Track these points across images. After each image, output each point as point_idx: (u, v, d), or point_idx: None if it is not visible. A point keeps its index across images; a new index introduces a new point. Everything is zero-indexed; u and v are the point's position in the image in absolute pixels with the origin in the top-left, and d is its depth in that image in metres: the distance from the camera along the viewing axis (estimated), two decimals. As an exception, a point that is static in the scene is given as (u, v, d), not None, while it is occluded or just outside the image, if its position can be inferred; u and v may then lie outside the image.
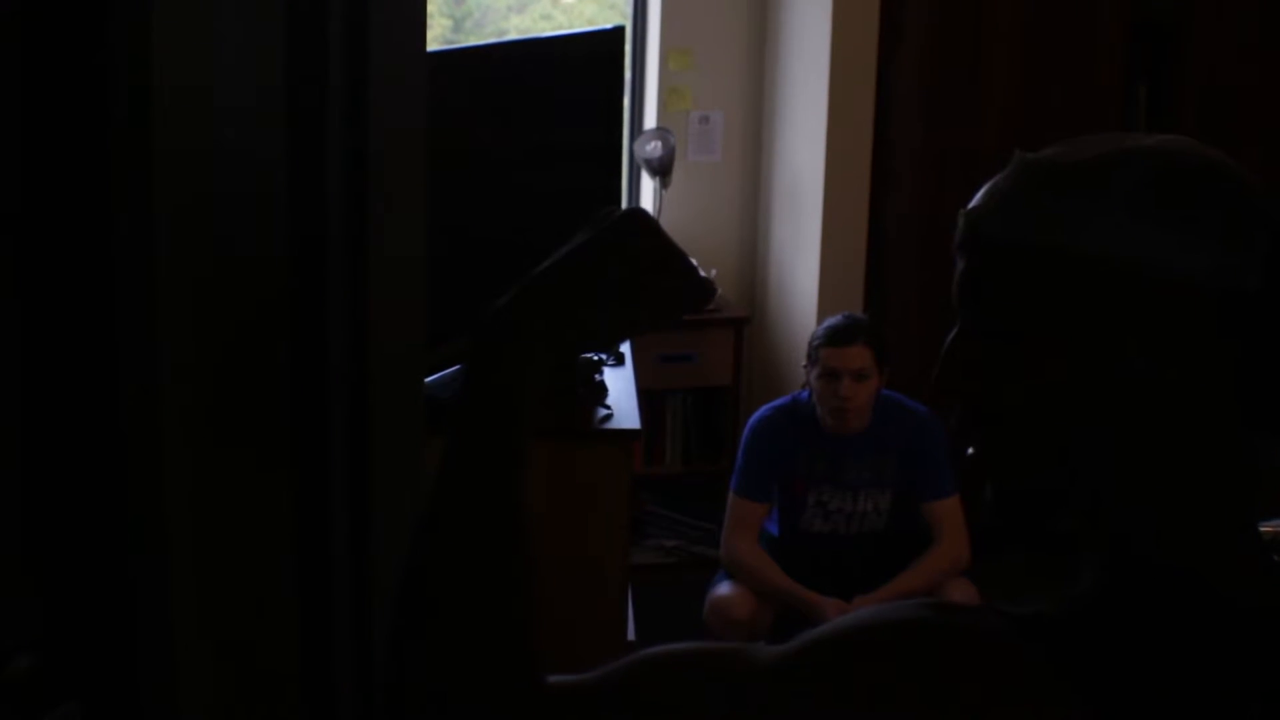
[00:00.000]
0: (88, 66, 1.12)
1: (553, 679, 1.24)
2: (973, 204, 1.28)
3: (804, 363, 4.44)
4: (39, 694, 1.15)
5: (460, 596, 1.24)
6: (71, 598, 1.19)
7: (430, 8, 1.54)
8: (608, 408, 3.66)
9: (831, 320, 4.41)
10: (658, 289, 1.40)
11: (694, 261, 1.39)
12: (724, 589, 4.42)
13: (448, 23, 6.20)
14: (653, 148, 5.57)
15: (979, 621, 1.19)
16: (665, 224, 5.67)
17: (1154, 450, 1.21)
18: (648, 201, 5.85)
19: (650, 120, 5.82)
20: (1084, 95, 5.47)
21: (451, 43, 5.93)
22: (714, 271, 5.67)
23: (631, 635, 3.70)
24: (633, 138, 5.68)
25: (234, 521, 1.35)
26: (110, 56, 1.13)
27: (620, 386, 3.80)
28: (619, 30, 3.98)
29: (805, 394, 4.44)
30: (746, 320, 5.68)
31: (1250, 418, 1.22)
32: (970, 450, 1.29)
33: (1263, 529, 1.27)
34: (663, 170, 5.59)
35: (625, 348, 4.06)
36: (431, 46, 1.56)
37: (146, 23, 1.14)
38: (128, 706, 1.21)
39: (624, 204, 5.08)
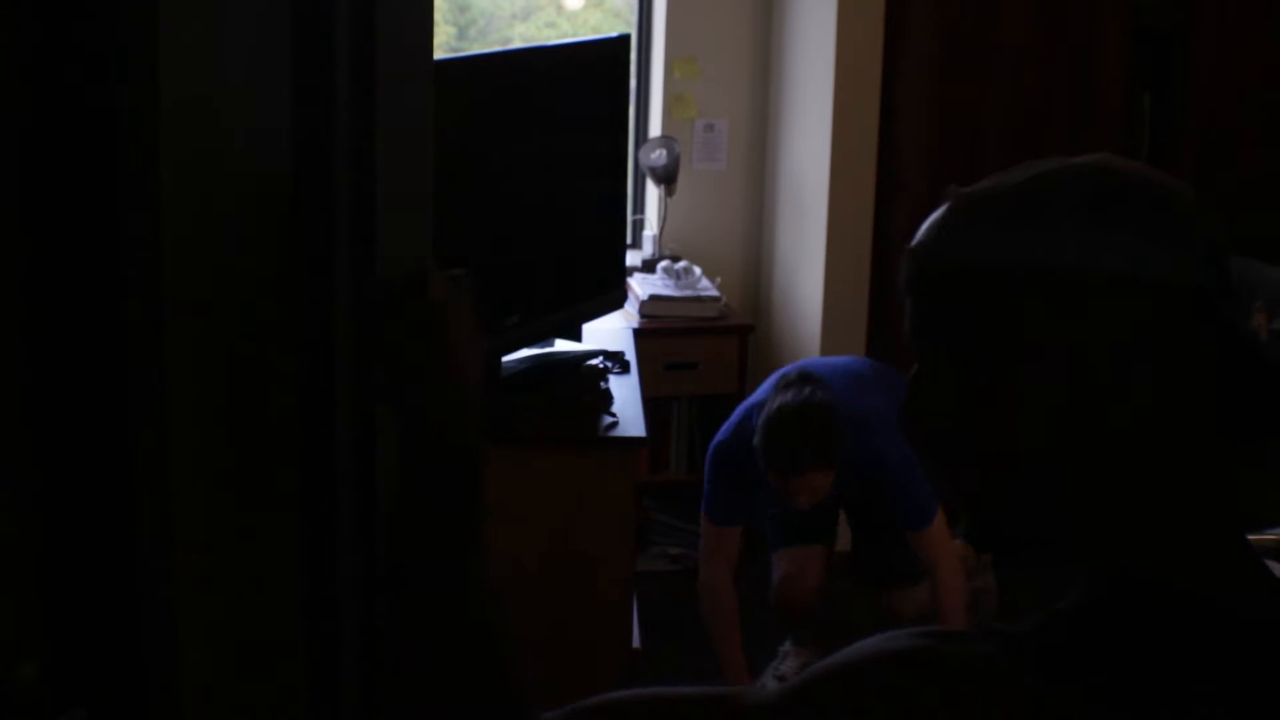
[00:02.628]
0: (93, 74, 1.12)
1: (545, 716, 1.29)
2: (915, 241, 1.29)
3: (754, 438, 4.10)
4: (44, 701, 1.15)
5: (447, 670, 1.33)
6: (77, 604, 1.19)
7: (434, 15, 1.54)
8: (613, 415, 3.65)
9: (776, 422, 3.98)
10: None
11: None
12: (781, 570, 4.53)
13: (452, 30, 6.21)
14: (658, 156, 5.57)
15: (975, 647, 1.18)
16: (670, 232, 5.70)
17: (1137, 464, 1.20)
18: (653, 209, 5.85)
19: (655, 128, 5.82)
20: (1088, 103, 5.47)
21: (456, 50, 5.94)
22: (719, 280, 5.67)
23: (636, 643, 3.70)
24: (638, 146, 5.68)
25: (240, 527, 1.35)
26: (116, 64, 1.13)
27: (625, 394, 3.80)
28: (624, 38, 3.98)
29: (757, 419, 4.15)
30: (751, 328, 5.68)
31: (1229, 425, 1.21)
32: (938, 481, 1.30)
33: (1266, 537, 1.27)
34: (668, 178, 5.59)
35: (630, 355, 4.06)
36: (436, 54, 1.57)
37: (153, 31, 1.14)
38: (133, 713, 1.21)
39: (630, 210, 5.09)
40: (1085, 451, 1.20)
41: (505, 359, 3.67)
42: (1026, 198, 1.22)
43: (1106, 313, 1.18)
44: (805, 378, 4.10)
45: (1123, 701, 1.14)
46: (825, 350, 5.49)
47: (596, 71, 3.87)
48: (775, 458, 3.97)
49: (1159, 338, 1.18)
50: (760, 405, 4.11)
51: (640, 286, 5.52)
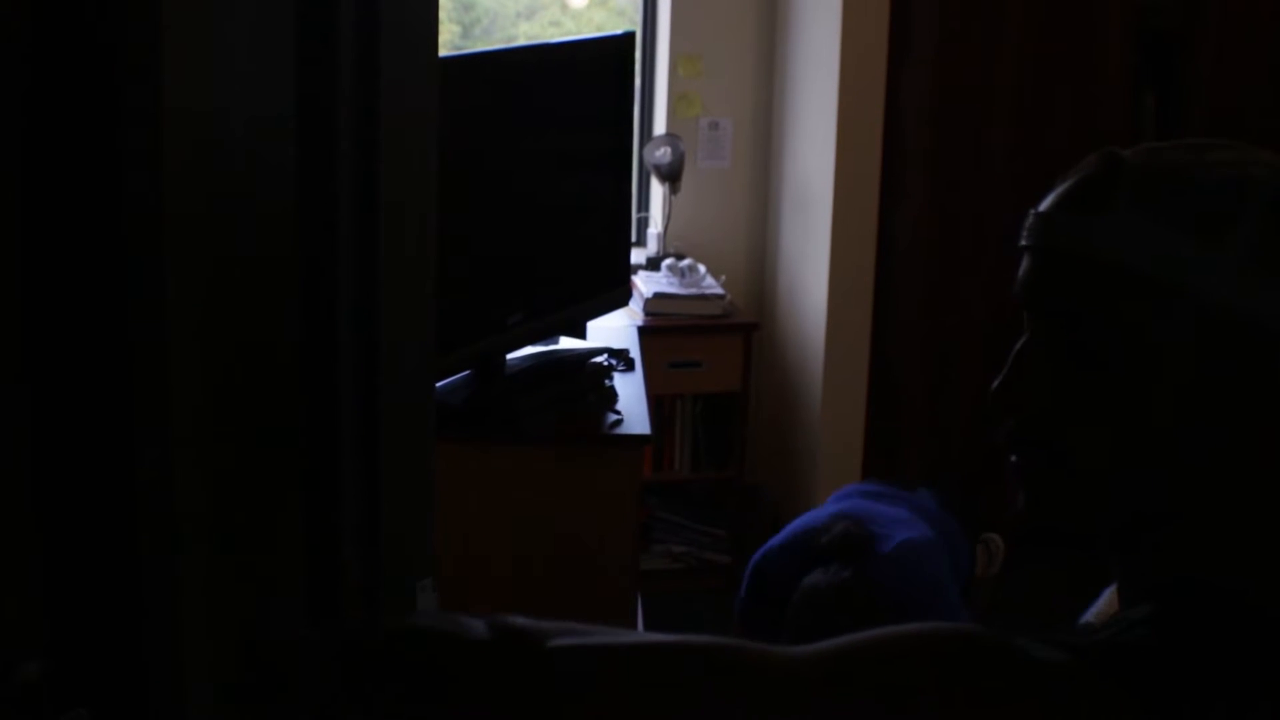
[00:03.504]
0: (96, 77, 1.12)
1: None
2: (1062, 208, 1.21)
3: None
4: (47, 700, 1.15)
5: None
6: (79, 604, 1.19)
7: (439, 13, 1.54)
8: (618, 413, 3.65)
9: (808, 612, 3.58)
10: None
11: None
12: None
13: (456, 29, 6.20)
14: (662, 154, 5.57)
15: (1043, 650, 1.13)
16: (675, 230, 5.70)
17: (1242, 479, 1.18)
18: (657, 207, 5.85)
19: (660, 126, 5.82)
20: (1092, 102, 5.46)
21: (460, 49, 5.94)
22: (723, 278, 5.66)
23: (640, 641, 3.69)
24: (642, 144, 5.68)
25: (244, 528, 1.34)
26: (119, 67, 1.13)
27: (630, 392, 3.79)
28: (629, 36, 3.97)
29: (815, 521, 3.92)
30: (755, 326, 5.67)
31: None
32: (1014, 459, 1.24)
33: None
34: (672, 176, 5.59)
35: (634, 353, 4.05)
36: (440, 52, 1.56)
37: (156, 29, 1.14)
38: (136, 713, 1.21)
39: (634, 209, 5.07)
40: (1195, 462, 1.18)
41: (509, 357, 3.67)
42: (1215, 214, 1.16)
43: (1250, 366, 1.15)
44: (848, 545, 3.71)
45: (1194, 710, 1.10)
46: (829, 348, 5.49)
47: (601, 69, 3.87)
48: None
49: None
50: (809, 538, 3.81)
51: (645, 284, 5.52)
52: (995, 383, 1.23)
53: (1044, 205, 1.23)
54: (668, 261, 5.60)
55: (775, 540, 4.01)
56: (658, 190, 5.81)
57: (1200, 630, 1.15)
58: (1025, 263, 1.23)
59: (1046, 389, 1.21)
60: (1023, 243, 1.23)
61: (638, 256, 5.64)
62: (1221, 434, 1.17)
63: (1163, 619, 1.16)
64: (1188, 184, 1.18)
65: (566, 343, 3.90)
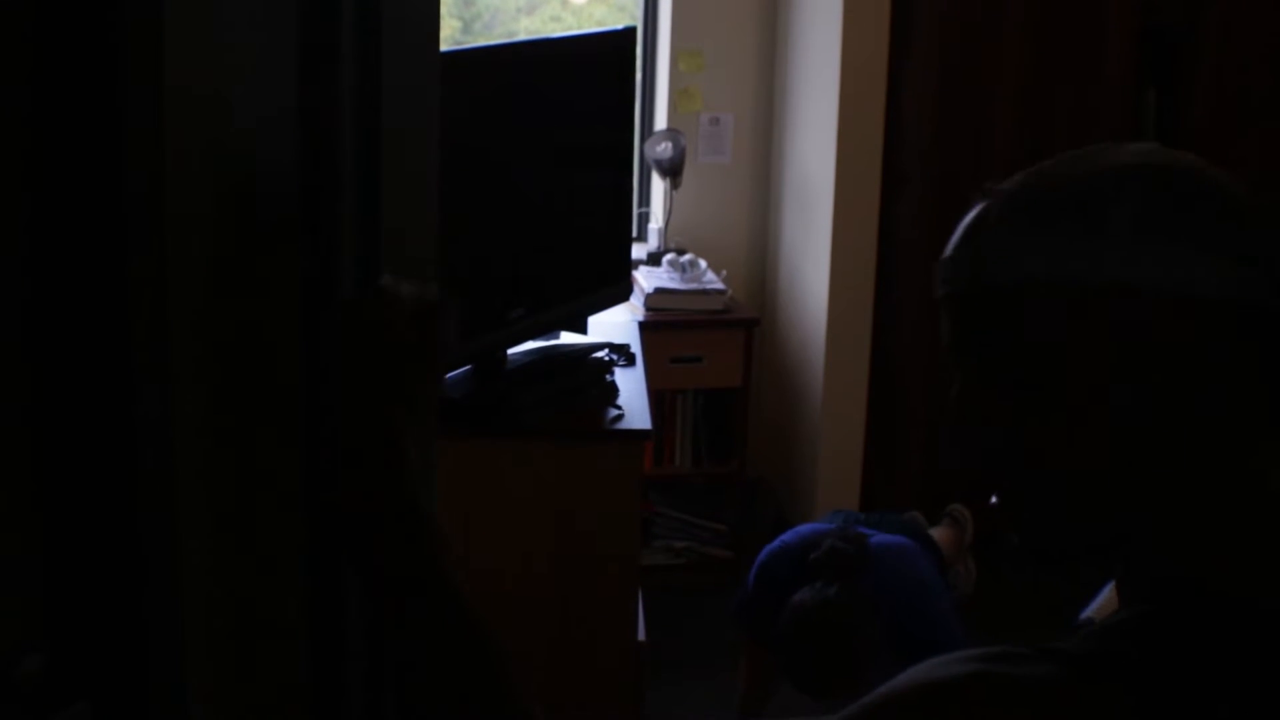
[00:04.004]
0: (98, 69, 1.12)
1: None
2: (954, 249, 1.25)
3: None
4: (48, 694, 1.15)
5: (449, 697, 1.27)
6: (80, 597, 1.19)
7: (440, 9, 1.54)
8: (618, 408, 3.65)
9: (796, 640, 3.61)
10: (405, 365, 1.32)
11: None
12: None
13: (457, 24, 6.20)
14: (663, 149, 5.57)
15: (1037, 669, 1.14)
16: (676, 225, 5.70)
17: (1193, 478, 1.18)
18: (658, 202, 5.85)
19: (661, 121, 5.82)
20: (1094, 98, 5.46)
21: (461, 44, 5.93)
22: (724, 273, 5.67)
23: (642, 636, 3.70)
24: (643, 139, 5.68)
25: (245, 521, 1.35)
26: (121, 59, 1.13)
27: (631, 387, 3.79)
28: (630, 31, 3.97)
29: (821, 529, 3.96)
30: (756, 322, 5.68)
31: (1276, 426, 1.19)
32: (994, 499, 1.26)
33: None
34: (673, 171, 5.59)
35: (636, 348, 4.05)
36: (441, 48, 1.56)
37: (157, 23, 1.14)
38: (138, 707, 1.21)
39: (635, 204, 5.09)
40: (1138, 463, 1.18)
41: (510, 351, 3.67)
42: (1084, 203, 1.18)
43: (1164, 329, 1.16)
44: (835, 563, 3.72)
45: (1186, 714, 1.11)
46: (830, 343, 5.49)
47: (602, 65, 3.87)
48: (800, 684, 3.68)
49: (1219, 351, 1.16)
50: (818, 540, 3.84)
51: (646, 279, 5.52)
52: (945, 438, 1.26)
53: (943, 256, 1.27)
54: (669, 257, 5.60)
55: (784, 538, 4.03)
56: (659, 185, 5.81)
57: (1189, 630, 1.15)
58: (941, 317, 1.26)
59: (995, 431, 1.22)
60: (943, 294, 1.27)
61: (639, 252, 5.65)
62: (1158, 411, 1.17)
63: (1150, 622, 1.17)
64: (1057, 188, 1.20)
65: (568, 338, 3.90)
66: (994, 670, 1.14)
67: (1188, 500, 1.19)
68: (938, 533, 4.80)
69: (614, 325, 4.27)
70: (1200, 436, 1.18)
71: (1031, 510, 1.24)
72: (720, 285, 5.54)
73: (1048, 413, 1.19)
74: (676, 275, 5.54)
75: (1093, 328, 1.17)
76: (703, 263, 5.62)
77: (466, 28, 6.28)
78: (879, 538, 3.86)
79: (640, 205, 5.88)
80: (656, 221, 5.81)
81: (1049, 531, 1.24)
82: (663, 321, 5.39)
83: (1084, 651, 1.15)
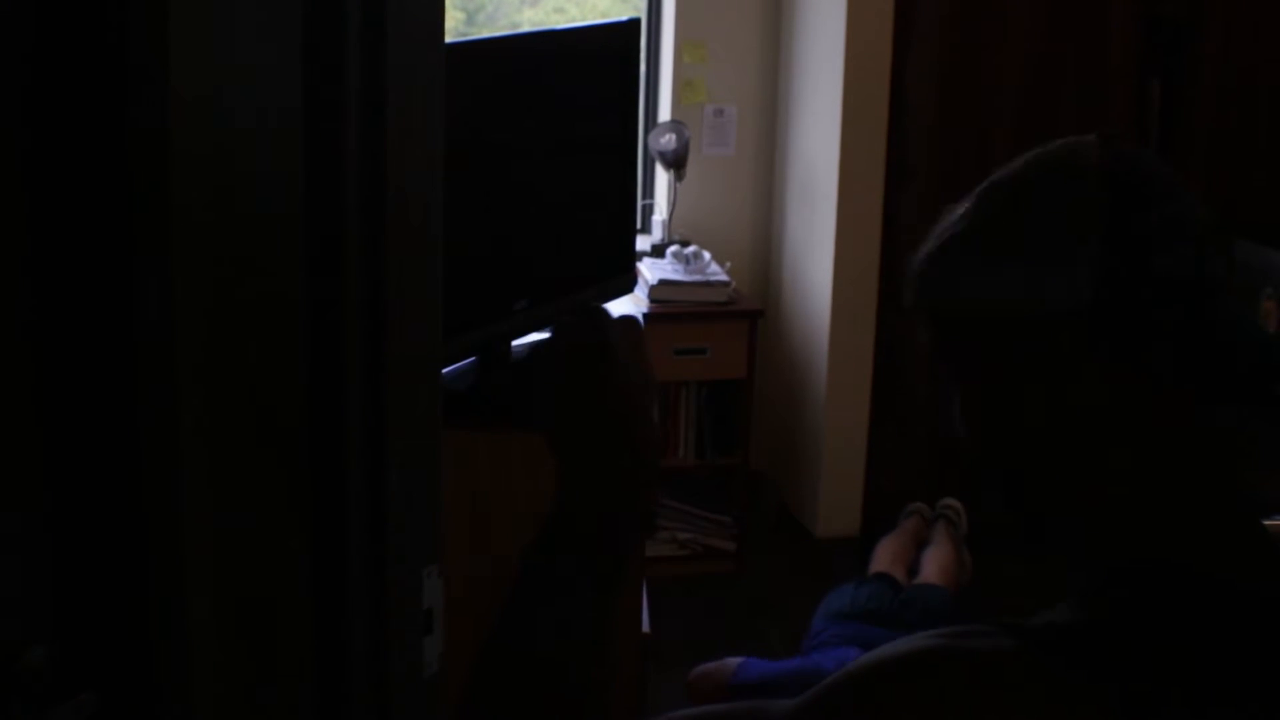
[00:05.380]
0: (102, 70, 1.12)
1: None
2: (914, 266, 1.33)
3: None
4: (54, 684, 1.15)
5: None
6: (87, 587, 1.19)
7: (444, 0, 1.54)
8: (622, 401, 3.65)
9: None
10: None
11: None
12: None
13: (461, 16, 6.20)
14: (667, 141, 5.56)
15: (994, 641, 1.18)
16: (680, 217, 5.70)
17: (1128, 462, 1.22)
18: (662, 194, 5.85)
19: (665, 113, 5.82)
20: (1097, 90, 5.46)
21: (464, 35, 5.93)
22: (728, 265, 5.66)
23: (646, 627, 3.70)
24: (647, 131, 5.67)
25: (250, 512, 1.35)
26: (124, 53, 1.13)
27: (634, 379, 3.79)
28: (634, 23, 3.96)
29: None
30: (760, 313, 5.67)
31: (1206, 394, 1.23)
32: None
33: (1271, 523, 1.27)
34: (677, 163, 5.59)
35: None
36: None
37: (163, 16, 1.14)
38: (143, 697, 1.21)
39: (639, 195, 5.08)
40: (1082, 460, 1.23)
41: (514, 344, 3.67)
42: (1000, 229, 1.25)
43: (1033, 339, 1.22)
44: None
45: (1151, 687, 1.14)
46: (834, 334, 5.49)
47: (606, 56, 3.86)
48: None
49: (1087, 351, 1.21)
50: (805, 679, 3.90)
51: (650, 271, 5.52)
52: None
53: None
54: (673, 248, 5.60)
55: (777, 668, 4.05)
56: (663, 177, 5.80)
57: (1144, 604, 1.19)
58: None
59: (974, 437, 1.30)
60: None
61: (643, 243, 5.64)
62: (1051, 412, 1.24)
63: (1104, 598, 1.21)
64: (966, 215, 1.28)
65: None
66: (951, 644, 1.18)
67: (1134, 488, 1.24)
68: (934, 548, 4.81)
69: (618, 317, 4.27)
70: (1120, 425, 1.23)
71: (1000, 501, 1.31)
72: (724, 277, 5.54)
73: (987, 420, 1.28)
74: (680, 267, 5.53)
75: (971, 344, 1.26)
76: (707, 254, 5.61)
77: (470, 19, 6.28)
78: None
79: (644, 197, 5.88)
80: (660, 213, 5.81)
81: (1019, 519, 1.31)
82: (667, 313, 5.38)
83: (1042, 624, 1.19)
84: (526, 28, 6.23)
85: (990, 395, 1.26)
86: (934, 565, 4.63)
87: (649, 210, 5.89)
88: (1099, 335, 1.21)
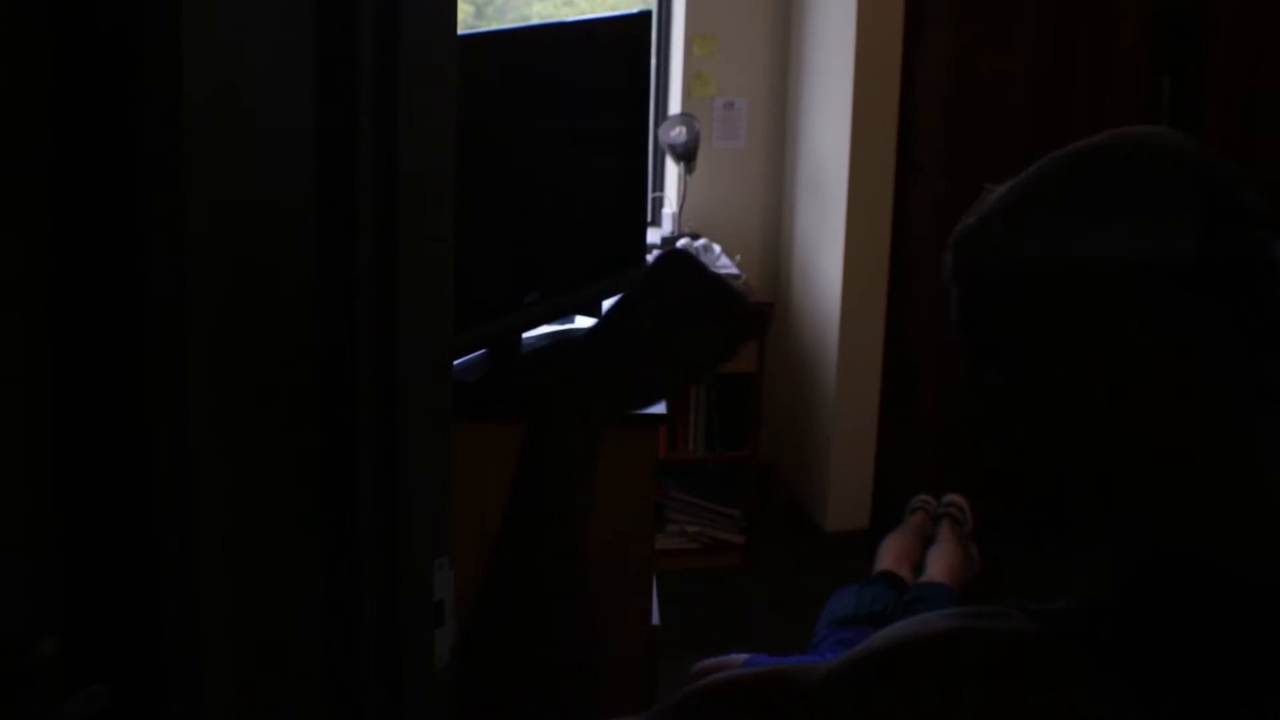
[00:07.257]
0: (118, 68, 1.12)
1: None
2: (954, 235, 1.33)
3: None
4: (66, 676, 1.16)
5: (522, 648, 1.26)
6: (98, 581, 1.19)
7: (456, -7, 1.54)
8: (632, 393, 3.65)
9: None
10: (703, 334, 1.37)
11: (740, 290, 1.39)
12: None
13: (470, 9, 6.20)
14: (677, 133, 5.56)
15: (1013, 624, 1.18)
16: (690, 210, 5.69)
17: (1167, 440, 1.20)
18: (672, 187, 5.85)
19: (675, 106, 5.81)
20: (1108, 86, 5.45)
21: (473, 28, 5.93)
22: (738, 258, 5.66)
23: (655, 620, 3.70)
24: (657, 123, 5.67)
25: (261, 506, 1.35)
26: (135, 45, 1.13)
27: (644, 372, 3.79)
28: (645, 15, 3.97)
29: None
30: (770, 306, 5.67)
31: (1260, 377, 1.21)
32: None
33: None
34: (687, 156, 5.59)
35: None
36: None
37: (175, 13, 1.14)
38: (154, 689, 1.21)
39: (649, 188, 5.08)
40: (1117, 441, 1.20)
41: (525, 336, 3.68)
42: (1031, 187, 1.24)
43: (1128, 302, 1.19)
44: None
45: (1166, 672, 1.14)
46: (844, 328, 5.49)
47: (616, 49, 3.86)
48: None
49: (1174, 315, 1.18)
50: None
51: (659, 264, 5.51)
52: (962, 412, 1.33)
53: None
54: (682, 241, 5.60)
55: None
56: (673, 170, 5.80)
57: (1165, 592, 1.19)
58: (955, 291, 1.34)
59: (1012, 413, 1.27)
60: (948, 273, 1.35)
61: (653, 236, 5.64)
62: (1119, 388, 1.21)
63: (1130, 585, 1.20)
64: (1030, 177, 1.26)
65: (582, 322, 3.90)
66: (972, 625, 1.18)
67: (1159, 475, 1.21)
68: (939, 546, 4.82)
69: (628, 310, 4.27)
70: (1168, 408, 1.20)
71: (1024, 485, 1.29)
72: (734, 270, 5.54)
73: (1023, 395, 1.24)
74: (690, 260, 5.53)
75: (1047, 309, 1.22)
76: (716, 247, 5.61)
77: (479, 12, 6.28)
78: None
79: (654, 190, 5.87)
80: (670, 206, 5.81)
81: (1040, 504, 1.29)
82: (676, 306, 5.37)
83: (1063, 610, 1.19)
84: (535, 21, 6.23)
85: (1040, 359, 1.22)
86: (939, 563, 4.63)
87: (659, 203, 5.89)
88: (1186, 295, 1.18)
